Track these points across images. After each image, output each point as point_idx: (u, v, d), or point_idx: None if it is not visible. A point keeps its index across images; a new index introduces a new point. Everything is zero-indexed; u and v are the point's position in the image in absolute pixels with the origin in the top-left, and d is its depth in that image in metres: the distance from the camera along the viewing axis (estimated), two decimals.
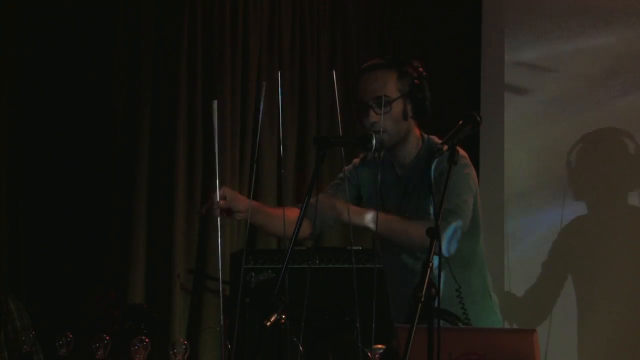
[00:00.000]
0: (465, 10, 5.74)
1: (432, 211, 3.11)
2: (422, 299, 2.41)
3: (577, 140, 4.96)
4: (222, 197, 3.09)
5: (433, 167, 3.09)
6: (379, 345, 3.09)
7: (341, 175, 3.40)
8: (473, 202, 3.23)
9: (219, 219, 3.03)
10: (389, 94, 3.21)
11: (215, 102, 2.97)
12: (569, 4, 5.15)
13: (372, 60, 3.32)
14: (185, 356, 3.53)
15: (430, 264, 2.47)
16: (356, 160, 3.45)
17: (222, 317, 3.59)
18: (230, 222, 5.29)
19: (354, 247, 3.97)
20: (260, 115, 3.15)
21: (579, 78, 5.07)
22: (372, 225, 3.14)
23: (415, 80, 3.23)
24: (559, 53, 5.12)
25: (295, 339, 3.20)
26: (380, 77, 3.23)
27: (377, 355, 3.02)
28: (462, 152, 3.20)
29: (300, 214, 2.91)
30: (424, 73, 3.28)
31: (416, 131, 3.31)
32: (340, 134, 3.21)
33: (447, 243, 3.11)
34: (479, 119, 2.82)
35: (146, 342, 3.60)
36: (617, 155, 4.98)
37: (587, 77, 5.05)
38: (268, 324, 2.69)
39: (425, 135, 3.33)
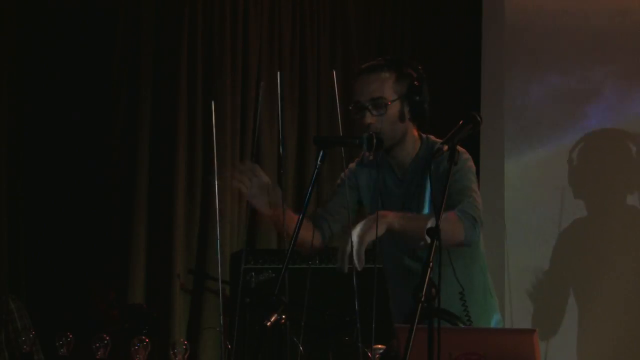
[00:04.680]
0: (465, 10, 5.74)
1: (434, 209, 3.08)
2: (422, 299, 2.42)
3: (578, 140, 4.96)
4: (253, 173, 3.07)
5: (433, 167, 3.08)
6: (379, 345, 3.09)
7: (339, 182, 3.39)
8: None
9: (218, 219, 3.02)
10: (385, 96, 3.20)
11: (213, 103, 2.97)
12: (570, 6, 5.15)
13: (372, 60, 3.31)
14: (185, 356, 3.54)
15: (431, 264, 2.47)
16: (352, 165, 3.43)
17: (222, 317, 3.59)
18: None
19: None
20: (258, 114, 3.15)
21: (580, 76, 5.07)
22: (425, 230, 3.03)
23: (415, 82, 3.22)
24: (560, 53, 5.12)
25: (295, 339, 3.20)
26: (378, 79, 3.21)
27: (377, 355, 3.02)
28: (461, 149, 3.20)
29: (300, 214, 2.90)
30: (424, 74, 3.27)
31: (414, 132, 3.29)
32: (340, 134, 3.21)
33: (472, 231, 3.07)
34: (479, 119, 2.82)
35: (146, 342, 3.61)
36: (617, 156, 4.98)
37: (588, 76, 5.05)
38: (268, 324, 2.69)
39: (424, 136, 3.32)
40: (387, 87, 3.20)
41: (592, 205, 4.97)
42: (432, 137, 3.29)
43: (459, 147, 3.17)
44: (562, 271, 5.01)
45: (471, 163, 3.24)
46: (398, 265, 3.33)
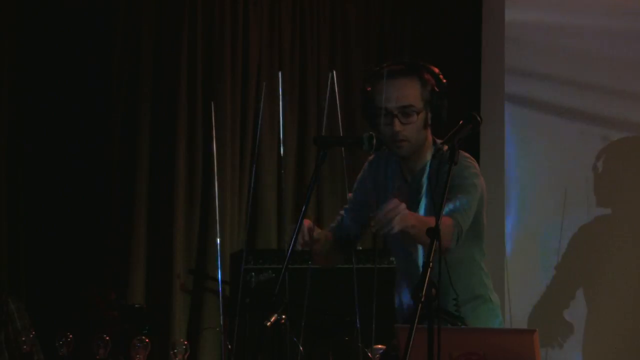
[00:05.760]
0: (465, 11, 5.74)
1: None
2: (422, 299, 2.42)
3: (602, 151, 4.92)
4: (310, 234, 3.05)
5: (434, 169, 3.07)
6: (379, 345, 3.09)
7: (350, 197, 3.36)
8: (476, 211, 3.21)
9: (217, 219, 3.02)
10: (415, 104, 3.15)
11: (212, 104, 2.97)
12: (571, 3, 5.15)
13: (390, 64, 3.22)
14: (185, 356, 3.54)
15: (431, 264, 2.47)
16: (365, 165, 3.40)
17: (222, 317, 3.60)
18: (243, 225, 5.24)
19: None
20: (260, 115, 3.15)
21: (580, 76, 5.07)
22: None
23: (435, 88, 3.18)
24: (560, 53, 5.12)
25: (295, 339, 3.20)
26: (405, 86, 3.15)
27: (377, 355, 3.02)
28: (471, 159, 3.18)
29: (300, 215, 2.90)
30: (443, 80, 3.22)
31: (429, 138, 3.27)
32: (340, 134, 3.20)
33: (455, 242, 3.06)
34: (479, 119, 2.82)
35: (146, 342, 3.61)
36: (618, 154, 4.98)
37: (590, 74, 5.04)
38: (268, 324, 2.69)
39: (438, 141, 3.29)
40: (415, 94, 3.15)
41: (594, 204, 4.96)
42: None
43: (470, 159, 3.17)
44: (563, 270, 5.00)
45: (477, 181, 3.18)
46: (407, 259, 3.31)
